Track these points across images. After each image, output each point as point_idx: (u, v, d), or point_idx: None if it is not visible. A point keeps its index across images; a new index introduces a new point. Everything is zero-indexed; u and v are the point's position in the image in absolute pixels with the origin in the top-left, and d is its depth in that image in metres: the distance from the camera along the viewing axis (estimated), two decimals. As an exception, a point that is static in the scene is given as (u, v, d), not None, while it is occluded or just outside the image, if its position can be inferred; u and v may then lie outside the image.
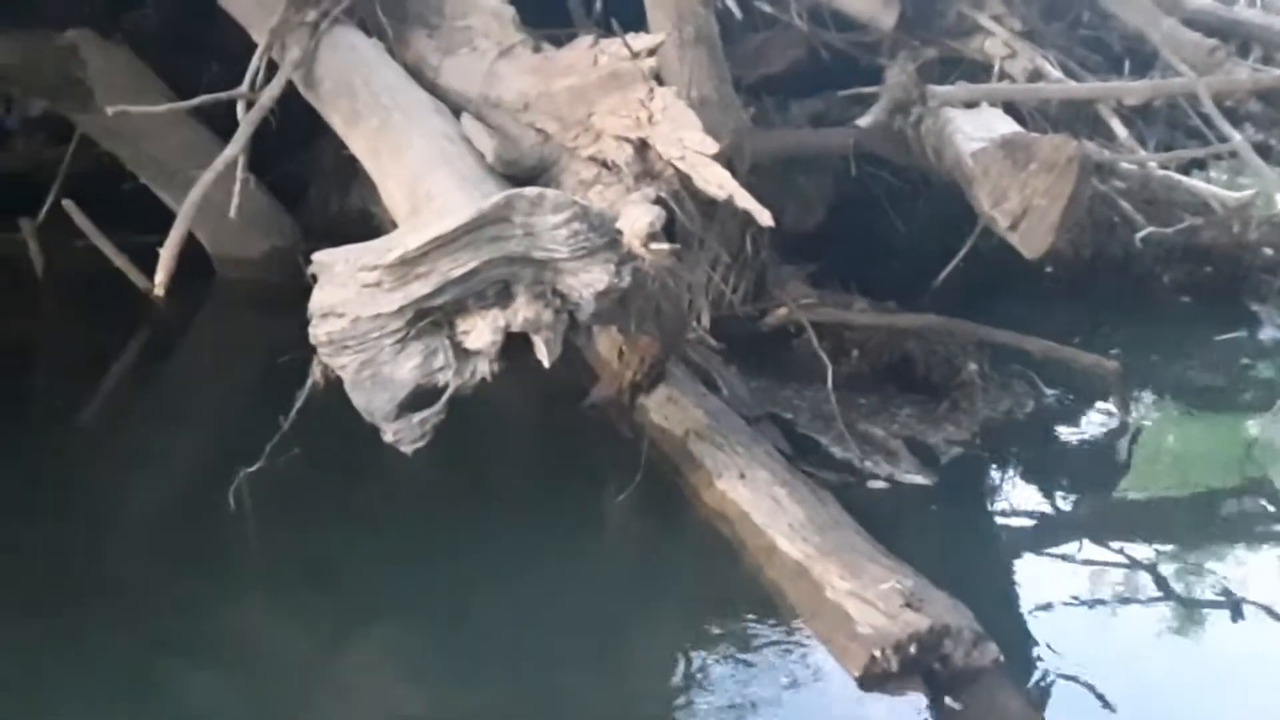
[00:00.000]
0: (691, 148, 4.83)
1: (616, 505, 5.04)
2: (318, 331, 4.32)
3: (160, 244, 5.09)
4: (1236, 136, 6.34)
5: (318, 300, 4.34)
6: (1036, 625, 4.72)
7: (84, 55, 6.67)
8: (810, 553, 4.54)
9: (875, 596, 4.26)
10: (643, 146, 4.92)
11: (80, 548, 4.72)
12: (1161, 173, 7.47)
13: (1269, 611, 4.89)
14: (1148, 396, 6.70)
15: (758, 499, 4.88)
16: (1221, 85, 6.74)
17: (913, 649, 4.10)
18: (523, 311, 4.31)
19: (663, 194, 4.79)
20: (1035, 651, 4.49)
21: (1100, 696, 4.23)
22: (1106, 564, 5.20)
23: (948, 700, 4.08)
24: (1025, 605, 4.88)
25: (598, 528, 5.17)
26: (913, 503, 5.40)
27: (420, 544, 4.84)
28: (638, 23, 5.54)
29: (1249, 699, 4.29)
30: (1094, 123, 7.10)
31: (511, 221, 4.26)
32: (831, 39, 7.39)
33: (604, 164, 4.99)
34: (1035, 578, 5.11)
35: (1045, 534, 5.46)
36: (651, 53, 5.10)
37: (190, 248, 5.30)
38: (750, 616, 4.49)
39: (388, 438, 4.36)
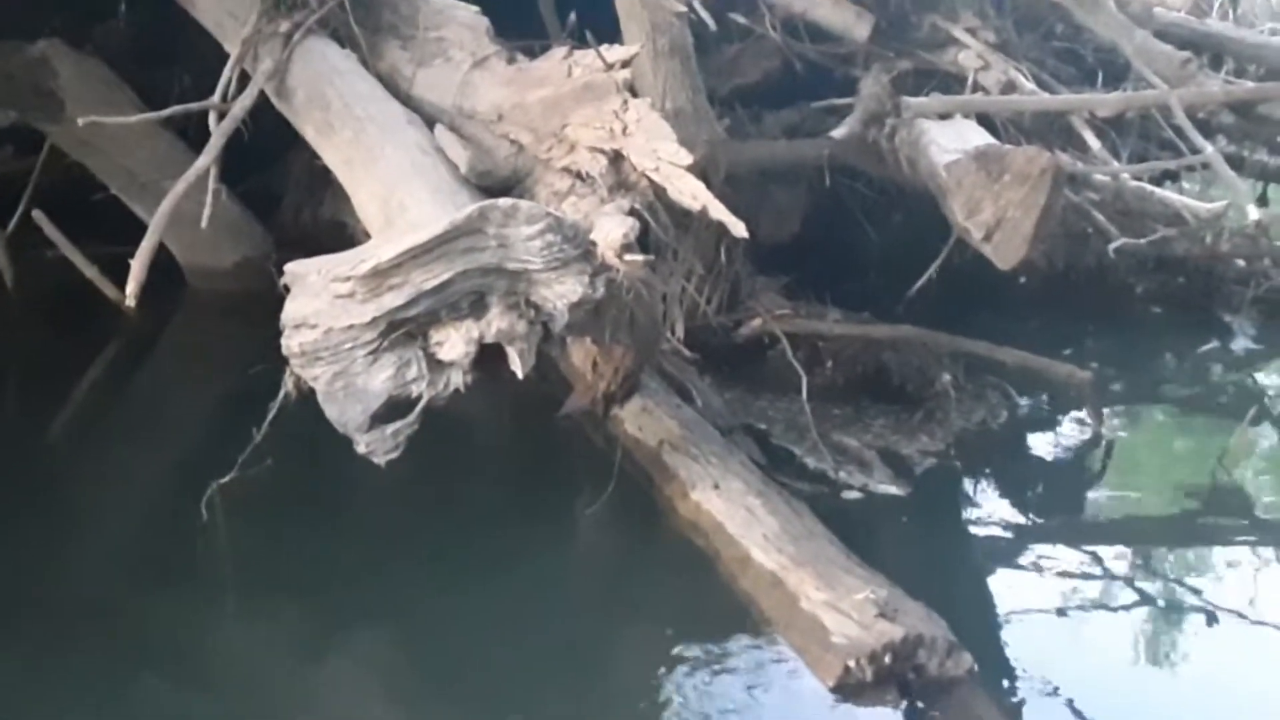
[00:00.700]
0: (665, 159, 4.83)
1: (590, 516, 5.03)
2: (290, 342, 4.30)
3: (131, 255, 5.06)
4: (1209, 148, 6.36)
5: (290, 311, 4.32)
6: (1011, 635, 4.73)
7: (55, 66, 6.63)
8: (785, 563, 4.53)
9: (850, 607, 4.25)
10: (617, 158, 4.92)
11: (51, 559, 4.70)
12: (1134, 184, 7.49)
13: (1242, 620, 4.90)
14: (1121, 407, 6.71)
15: (732, 510, 4.87)
16: (1194, 97, 6.78)
17: (887, 659, 4.09)
18: (496, 322, 4.30)
19: (637, 205, 4.79)
20: (1010, 661, 4.50)
21: (1074, 706, 4.23)
22: (1080, 574, 5.20)
23: (922, 710, 4.08)
24: (1000, 615, 4.88)
25: (571, 539, 5.15)
26: (887, 513, 5.40)
27: (393, 555, 4.82)
28: (612, 34, 5.53)
29: (1222, 708, 4.30)
30: (1067, 134, 7.11)
31: (485, 233, 4.25)
32: (805, 50, 7.39)
33: (578, 175, 4.99)
34: (1009, 587, 5.12)
35: (1019, 544, 5.47)
36: (625, 64, 5.11)
37: (161, 258, 5.28)
38: (724, 627, 4.47)
39: (361, 449, 4.33)
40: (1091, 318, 7.54)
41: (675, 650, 4.41)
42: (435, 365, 4.30)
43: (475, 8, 5.79)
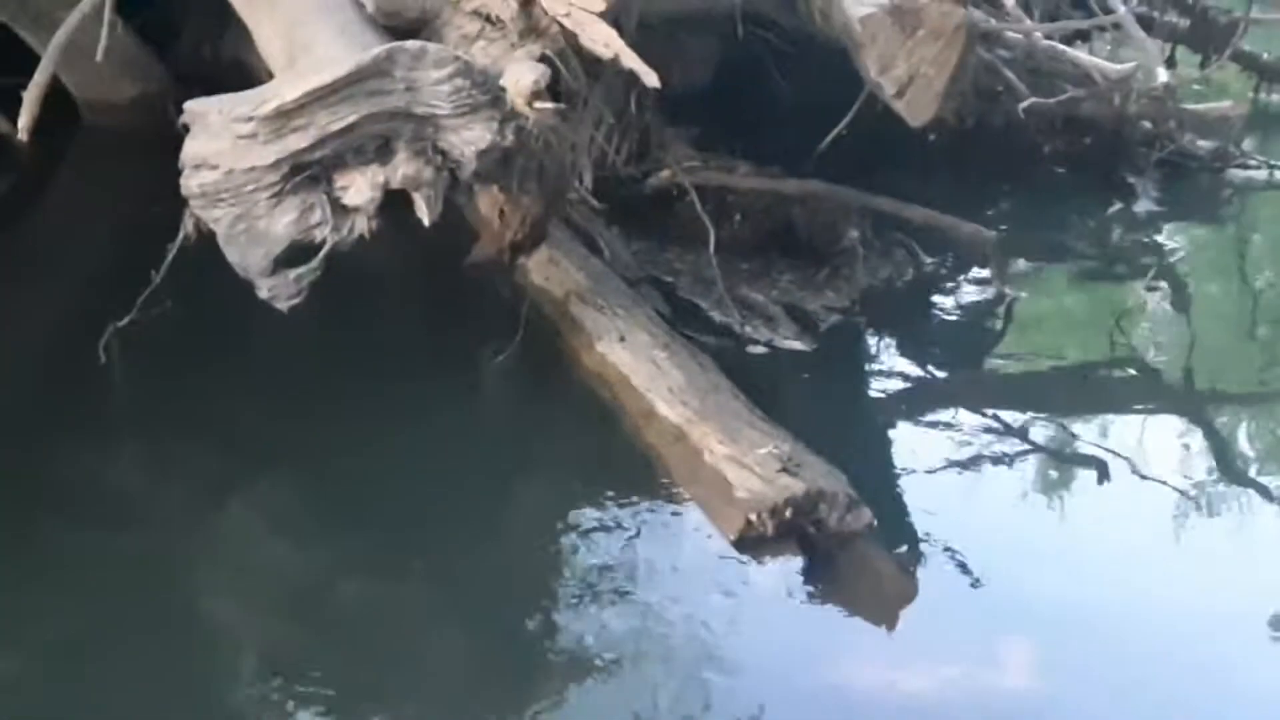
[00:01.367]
0: (577, 5, 4.71)
1: (495, 366, 5.00)
2: (190, 183, 4.20)
3: (23, 87, 4.89)
4: (1120, 8, 6.36)
5: (190, 151, 4.21)
6: (910, 491, 4.81)
7: (-58, -112, 6.35)
8: (689, 417, 4.55)
9: (752, 461, 4.30)
10: (527, 2, 4.80)
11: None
12: (1046, 43, 7.49)
13: (1136, 479, 5.03)
14: (1024, 265, 6.77)
15: (637, 363, 4.88)
16: (1108, -44, 6.75)
17: (788, 513, 4.15)
18: (403, 168, 4.24)
19: (547, 52, 4.70)
20: (908, 516, 4.58)
21: (970, 559, 4.32)
22: (979, 431, 5.28)
23: (822, 563, 4.14)
24: (899, 471, 4.96)
25: (475, 390, 5.13)
26: (791, 369, 5.43)
27: (295, 403, 4.77)
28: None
29: (1114, 559, 4.41)
30: (982, -10, 7.07)
31: (393, 76, 4.17)
32: (722, -103, 7.24)
33: (488, 19, 4.87)
34: (910, 444, 5.19)
35: (920, 401, 5.54)
36: (539, -96, 4.97)
37: (55, 91, 5.11)
38: (628, 481, 4.50)
39: (262, 294, 4.27)
40: (999, 177, 7.57)
41: (578, 502, 4.43)
42: (340, 210, 4.25)
43: None
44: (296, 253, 4.24)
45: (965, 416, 5.33)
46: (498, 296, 5.46)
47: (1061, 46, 7.71)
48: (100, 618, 3.73)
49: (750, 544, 4.13)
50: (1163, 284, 6.91)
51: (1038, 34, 7.19)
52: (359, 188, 4.23)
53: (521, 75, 4.37)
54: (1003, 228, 6.67)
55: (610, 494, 4.45)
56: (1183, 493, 4.97)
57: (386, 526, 4.21)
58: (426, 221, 4.28)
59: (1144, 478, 5.04)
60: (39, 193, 6.65)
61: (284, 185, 4.17)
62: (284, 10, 4.84)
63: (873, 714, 3.74)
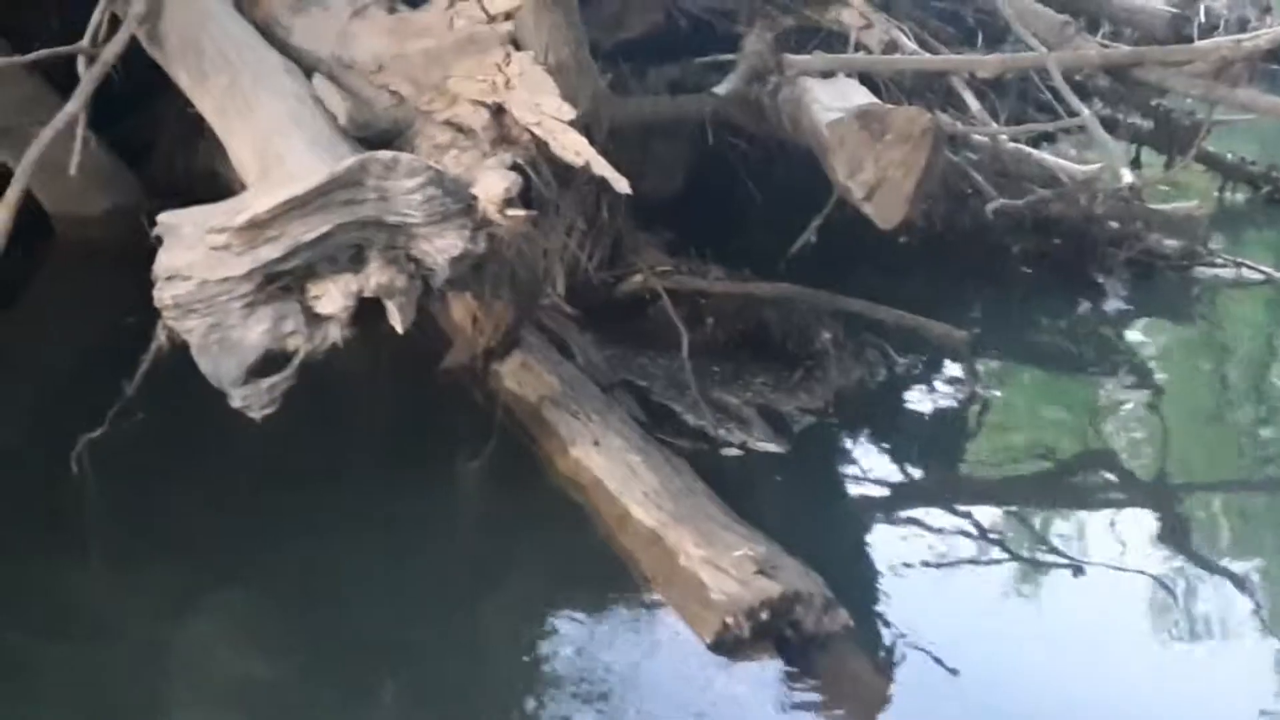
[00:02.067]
0: (548, 113, 4.79)
1: (469, 472, 5.01)
2: (163, 294, 4.22)
3: (-4, 201, 4.91)
4: (1085, 111, 6.42)
5: (163, 262, 4.23)
6: (886, 592, 4.79)
7: (-85, 8, 6.40)
8: (664, 520, 4.55)
9: (728, 564, 4.29)
10: (499, 111, 4.87)
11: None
12: (1012, 145, 7.58)
13: (1111, 575, 5.02)
14: (996, 365, 6.81)
15: (612, 466, 4.87)
16: (1071, 60, 6.83)
17: (765, 615, 4.14)
18: (375, 276, 4.26)
19: (519, 160, 4.75)
20: (885, 617, 4.57)
21: (947, 661, 4.30)
22: (955, 531, 5.28)
23: (799, 665, 4.12)
24: (875, 572, 4.94)
25: (449, 495, 5.12)
26: (766, 471, 5.43)
27: (267, 511, 4.75)
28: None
29: (1091, 661, 4.39)
30: (947, 94, 7.15)
31: (365, 185, 4.20)
32: (689, 5, 7.34)
33: (459, 128, 4.93)
34: (885, 545, 5.18)
35: (895, 501, 5.54)
36: (509, 16, 5.04)
37: (29, 206, 5.13)
38: (603, 584, 4.49)
39: (235, 403, 4.27)
40: (969, 277, 7.62)
41: (553, 607, 4.41)
42: (313, 319, 4.26)
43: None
44: (269, 362, 4.25)
45: (940, 516, 5.33)
46: (471, 403, 5.46)
47: (1028, 149, 7.81)
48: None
49: (727, 646, 4.11)
50: (1133, 382, 6.94)
51: (1004, 136, 7.27)
52: (332, 296, 4.25)
53: (493, 183, 4.42)
54: (975, 329, 6.71)
55: (585, 598, 4.44)
56: (1157, 590, 4.96)
57: (357, 638, 4.17)
58: (399, 329, 4.30)
59: (1118, 575, 5.04)
60: (13, 306, 6.65)
61: (257, 295, 4.19)
62: (256, 123, 4.89)
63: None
